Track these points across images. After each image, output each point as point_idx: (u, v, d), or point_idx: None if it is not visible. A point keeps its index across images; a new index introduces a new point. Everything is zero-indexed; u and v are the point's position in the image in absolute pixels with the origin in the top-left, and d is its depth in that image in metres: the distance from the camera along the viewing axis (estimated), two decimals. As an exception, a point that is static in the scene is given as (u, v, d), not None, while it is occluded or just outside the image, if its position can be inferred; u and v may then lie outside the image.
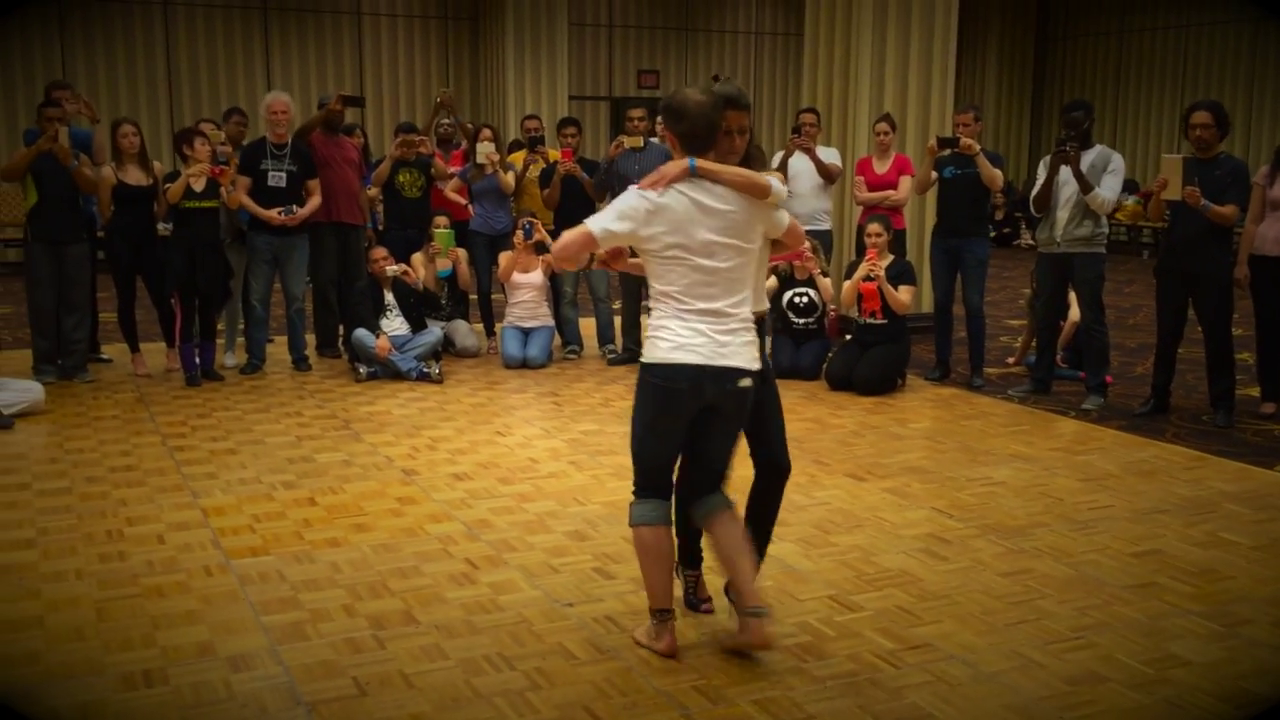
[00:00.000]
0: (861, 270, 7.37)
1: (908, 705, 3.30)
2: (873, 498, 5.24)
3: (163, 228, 7.77)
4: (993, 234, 15.82)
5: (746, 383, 3.43)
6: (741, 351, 3.40)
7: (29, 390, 6.67)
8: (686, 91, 3.42)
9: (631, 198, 3.38)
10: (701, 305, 3.37)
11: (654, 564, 3.54)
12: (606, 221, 3.38)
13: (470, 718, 3.20)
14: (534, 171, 8.61)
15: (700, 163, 3.35)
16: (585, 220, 3.43)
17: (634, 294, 8.28)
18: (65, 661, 3.53)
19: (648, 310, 3.64)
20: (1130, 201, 15.41)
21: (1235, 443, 6.24)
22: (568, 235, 3.42)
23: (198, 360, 7.50)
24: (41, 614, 3.88)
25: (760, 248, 3.52)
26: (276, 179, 7.69)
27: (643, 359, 3.47)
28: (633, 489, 3.58)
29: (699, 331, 3.36)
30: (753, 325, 3.48)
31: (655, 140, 8.08)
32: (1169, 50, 17.27)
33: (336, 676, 3.44)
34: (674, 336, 3.37)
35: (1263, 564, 4.44)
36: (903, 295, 7.37)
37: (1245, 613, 3.97)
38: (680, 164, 3.36)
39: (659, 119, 9.21)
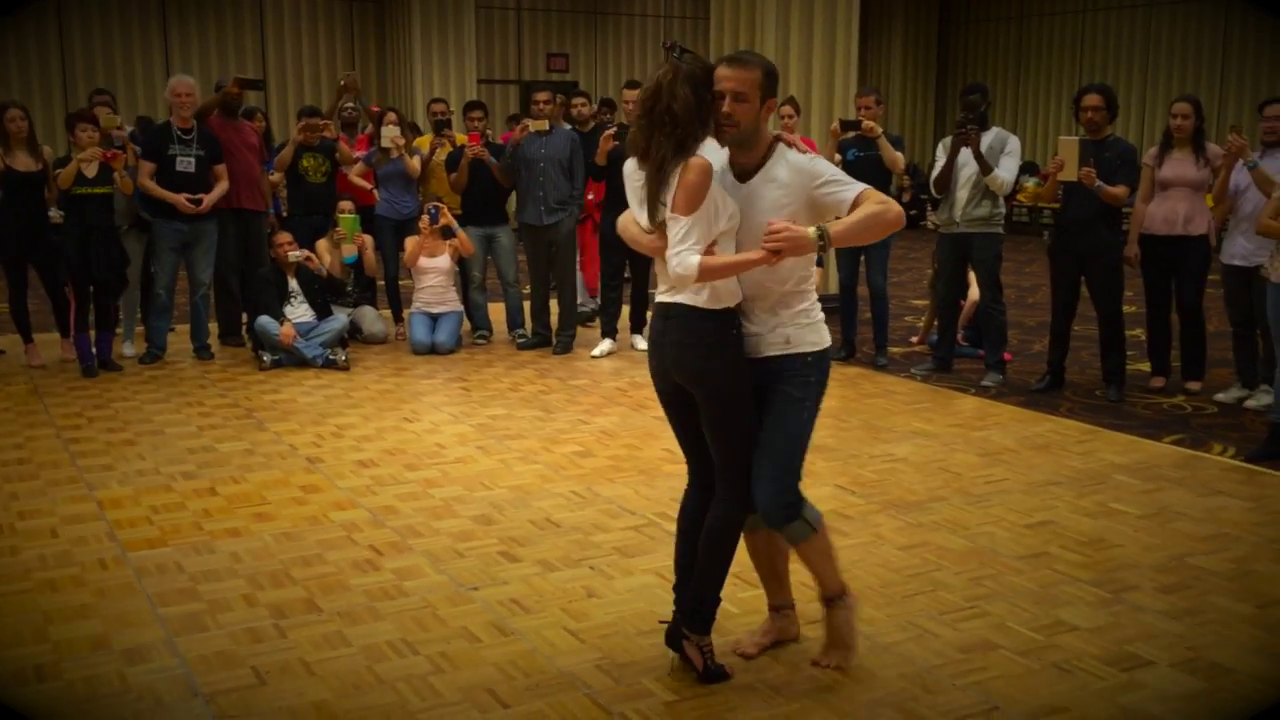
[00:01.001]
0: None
1: (805, 678, 3.36)
2: (777, 476, 5.30)
3: (55, 214, 7.55)
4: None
5: None
6: None
7: (-85, 383, 6.46)
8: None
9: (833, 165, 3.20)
10: None
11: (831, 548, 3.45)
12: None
13: (372, 703, 3.19)
14: (440, 155, 8.54)
15: None
16: (872, 190, 3.07)
17: (543, 278, 8.26)
18: (-48, 660, 3.44)
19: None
20: (1032, 183, 15.76)
21: (1126, 416, 6.44)
22: (895, 206, 3.05)
23: (94, 350, 7.32)
24: (-73, 612, 3.78)
25: None
26: (185, 164, 7.52)
27: (814, 348, 3.29)
28: (796, 493, 3.28)
29: None
30: None
31: (567, 127, 8.09)
32: (1067, 35, 17.69)
33: (235, 666, 3.40)
34: (820, 315, 3.33)
35: (1149, 532, 4.60)
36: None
37: (1131, 579, 4.11)
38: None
39: (592, 98, 9.22)
